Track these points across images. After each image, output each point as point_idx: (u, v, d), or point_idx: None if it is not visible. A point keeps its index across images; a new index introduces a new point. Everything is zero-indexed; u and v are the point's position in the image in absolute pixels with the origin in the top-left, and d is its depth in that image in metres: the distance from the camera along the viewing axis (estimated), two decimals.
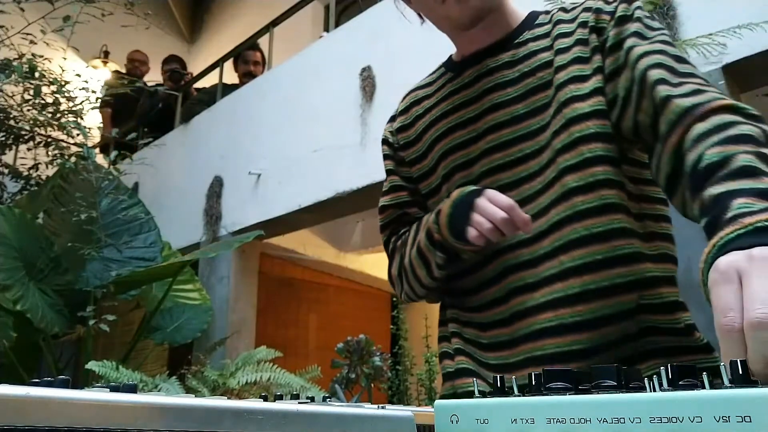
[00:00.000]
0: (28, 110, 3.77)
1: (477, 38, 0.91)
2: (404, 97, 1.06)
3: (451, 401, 0.38)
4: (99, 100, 3.99)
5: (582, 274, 0.76)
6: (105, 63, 6.13)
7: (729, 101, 0.67)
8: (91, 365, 2.64)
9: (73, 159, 3.72)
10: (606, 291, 0.75)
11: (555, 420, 0.32)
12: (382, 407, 0.40)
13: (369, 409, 0.39)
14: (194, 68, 5.72)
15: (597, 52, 0.81)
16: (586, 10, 0.85)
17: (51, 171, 3.92)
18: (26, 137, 3.95)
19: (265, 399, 0.44)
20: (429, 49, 2.95)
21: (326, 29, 4.43)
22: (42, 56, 3.62)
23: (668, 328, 0.76)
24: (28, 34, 3.52)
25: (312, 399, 0.44)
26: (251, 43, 4.60)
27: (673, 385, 0.32)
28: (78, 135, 3.77)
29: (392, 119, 1.06)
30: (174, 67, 5.23)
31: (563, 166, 0.79)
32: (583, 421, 0.31)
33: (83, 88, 3.92)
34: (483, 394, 0.38)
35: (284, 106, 3.83)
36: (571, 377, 0.35)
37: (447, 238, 0.84)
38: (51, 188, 3.55)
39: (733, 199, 0.54)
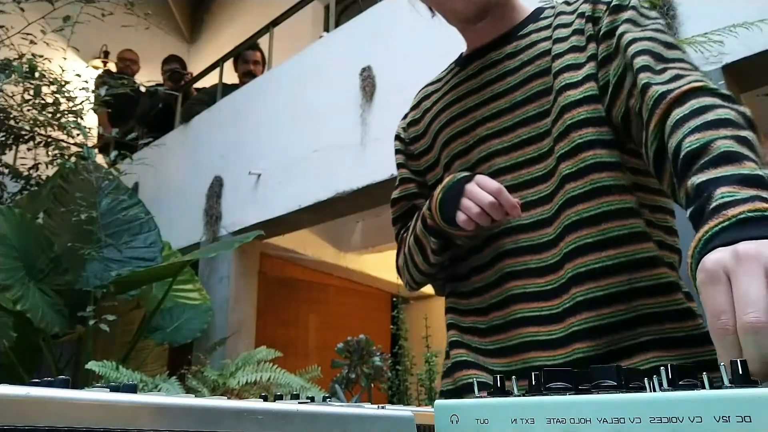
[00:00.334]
0: (28, 110, 3.77)
1: (483, 33, 0.94)
2: (417, 93, 1.08)
3: (451, 401, 0.38)
4: (93, 100, 3.98)
5: (575, 258, 0.76)
6: (105, 63, 6.13)
7: (703, 83, 0.67)
8: (91, 365, 2.64)
9: (73, 159, 3.72)
10: (601, 272, 0.75)
11: (555, 420, 0.32)
12: (382, 407, 0.40)
13: (369, 409, 0.39)
14: (194, 68, 5.72)
15: (592, 40, 0.82)
16: (586, 1, 0.86)
17: (51, 171, 3.92)
18: (26, 137, 3.95)
19: (265, 399, 0.44)
20: (429, 49, 2.96)
21: (326, 29, 4.43)
22: (42, 56, 3.61)
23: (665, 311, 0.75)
24: (28, 34, 3.52)
25: (312, 399, 0.44)
26: (251, 43, 4.60)
27: (673, 385, 0.32)
28: (78, 135, 3.77)
29: (405, 116, 1.08)
30: (174, 67, 5.23)
31: (559, 153, 0.80)
32: (583, 421, 0.31)
33: (83, 88, 3.92)
34: (483, 389, 0.38)
35: (284, 106, 3.83)
36: (571, 377, 0.35)
37: (439, 223, 0.85)
38: (51, 188, 3.55)
39: (716, 188, 0.54)
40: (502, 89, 0.88)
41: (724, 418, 0.28)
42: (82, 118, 3.84)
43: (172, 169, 4.58)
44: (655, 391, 0.32)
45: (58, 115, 3.77)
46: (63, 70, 3.76)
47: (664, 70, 0.71)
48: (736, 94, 2.18)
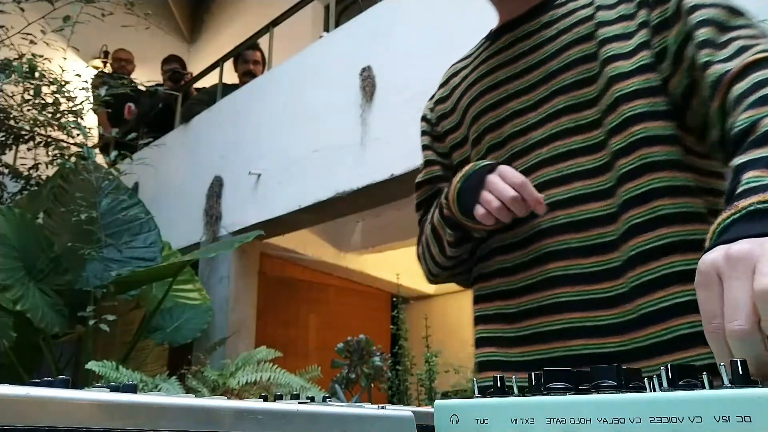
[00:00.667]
0: (28, 110, 3.77)
1: (516, 5, 0.90)
2: (445, 72, 1.04)
3: (451, 401, 0.38)
4: (92, 100, 3.98)
5: (630, 239, 0.71)
6: (105, 63, 6.12)
7: None
8: (91, 365, 2.64)
9: (73, 159, 3.72)
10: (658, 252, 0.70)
11: (555, 420, 0.32)
12: (382, 407, 0.40)
13: (369, 409, 0.39)
14: (194, 68, 5.71)
15: (643, 6, 0.78)
16: None
17: (51, 171, 3.92)
18: (26, 137, 3.95)
19: (265, 399, 0.44)
20: (429, 49, 2.96)
21: (326, 29, 4.43)
22: (42, 56, 3.61)
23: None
24: (28, 34, 3.52)
25: (312, 399, 0.44)
26: (251, 43, 4.60)
27: (673, 385, 0.32)
28: (78, 135, 3.77)
29: (432, 96, 1.04)
30: (174, 67, 5.22)
31: (609, 127, 0.75)
32: (583, 421, 0.31)
33: (83, 88, 3.92)
34: (483, 394, 0.38)
35: (284, 106, 3.83)
36: (571, 377, 0.35)
37: (456, 214, 0.81)
38: (51, 188, 3.55)
39: (746, 171, 0.52)
40: (537, 60, 0.83)
41: (724, 418, 0.28)
42: (82, 118, 3.84)
43: (172, 169, 4.58)
44: (655, 391, 0.32)
45: (58, 115, 3.77)
46: (63, 70, 3.76)
47: (727, 42, 0.66)
48: None
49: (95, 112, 4.58)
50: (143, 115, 5.15)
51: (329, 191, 3.28)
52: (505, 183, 0.74)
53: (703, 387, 0.31)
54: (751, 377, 0.35)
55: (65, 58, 3.81)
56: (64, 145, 3.95)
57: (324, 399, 0.45)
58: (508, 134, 0.83)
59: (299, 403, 0.39)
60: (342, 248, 4.65)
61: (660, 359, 0.67)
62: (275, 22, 4.20)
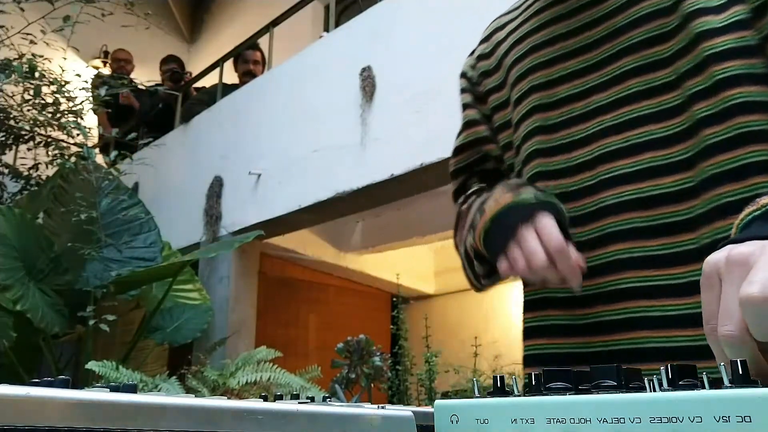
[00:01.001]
0: (28, 110, 3.77)
1: None
2: (488, 26, 0.93)
3: (451, 401, 0.38)
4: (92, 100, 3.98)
5: (716, 220, 0.62)
6: (105, 63, 6.13)
7: None
8: (91, 365, 2.64)
9: (73, 159, 3.72)
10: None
11: (555, 420, 0.32)
12: (382, 407, 0.40)
13: (369, 409, 0.39)
14: (194, 68, 5.72)
15: None
16: None
17: (51, 171, 3.92)
18: (26, 137, 3.95)
19: (265, 399, 0.44)
20: (429, 49, 2.96)
21: (326, 29, 4.43)
22: (42, 56, 3.61)
23: None
24: (28, 34, 3.52)
25: (312, 399, 0.44)
26: (251, 43, 4.60)
27: (673, 385, 0.32)
28: (78, 135, 3.77)
29: (472, 51, 0.93)
30: (172, 67, 5.23)
31: (692, 91, 0.65)
32: (583, 421, 0.31)
33: (83, 88, 3.92)
34: (483, 394, 0.38)
35: (284, 106, 3.83)
36: (571, 377, 0.35)
37: (482, 252, 0.73)
38: (51, 188, 3.55)
39: None
40: (600, 14, 0.73)
41: (724, 418, 0.28)
42: (82, 118, 3.84)
43: (172, 169, 4.58)
44: (655, 391, 0.32)
45: (58, 115, 3.77)
46: (63, 70, 3.76)
47: None
48: None
49: (95, 112, 4.58)
50: (143, 115, 5.15)
51: (329, 191, 3.28)
52: (539, 244, 0.63)
53: (703, 387, 0.31)
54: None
55: (65, 58, 3.81)
56: (64, 145, 3.95)
57: (324, 399, 0.45)
58: (564, 96, 0.74)
59: (299, 403, 0.39)
60: (342, 248, 4.66)
61: None
62: (275, 22, 4.20)
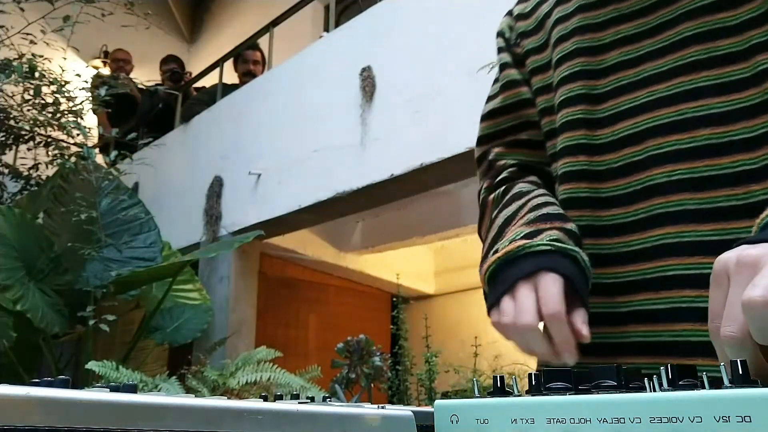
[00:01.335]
0: (28, 110, 3.77)
1: None
2: None
3: (451, 401, 0.38)
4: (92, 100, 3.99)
5: None
6: (105, 63, 6.13)
7: None
8: (91, 365, 2.64)
9: (73, 159, 3.72)
10: None
11: (555, 420, 0.32)
12: (382, 407, 0.40)
13: (369, 409, 0.39)
14: (194, 68, 5.72)
15: None
16: None
17: (51, 171, 3.92)
18: (26, 137, 3.95)
19: (265, 399, 0.44)
20: (429, 49, 2.96)
21: (326, 29, 4.43)
22: (42, 56, 3.61)
23: None
24: (28, 34, 3.52)
25: (312, 399, 0.44)
26: (251, 43, 4.60)
27: (673, 385, 0.32)
28: (78, 135, 3.77)
29: (510, 11, 0.86)
30: (172, 67, 5.23)
31: (764, 66, 0.58)
32: (583, 421, 0.31)
33: (83, 88, 3.92)
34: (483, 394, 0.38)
35: (284, 106, 3.83)
36: (571, 377, 0.35)
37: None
38: (51, 188, 3.55)
39: None
40: None
41: (724, 418, 0.28)
42: (82, 118, 3.84)
43: (172, 169, 4.58)
44: (655, 391, 0.32)
45: (58, 115, 3.77)
46: (63, 70, 3.76)
47: None
48: None
49: (95, 113, 4.58)
50: (143, 115, 5.15)
51: (329, 191, 3.28)
52: (533, 303, 0.57)
53: (703, 387, 0.31)
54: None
55: (65, 58, 3.81)
56: (64, 145, 3.95)
57: (324, 399, 0.45)
58: (614, 63, 0.68)
59: (299, 403, 0.39)
60: (342, 248, 4.66)
61: None
62: (275, 22, 4.20)
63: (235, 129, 4.16)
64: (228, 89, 4.54)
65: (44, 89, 3.69)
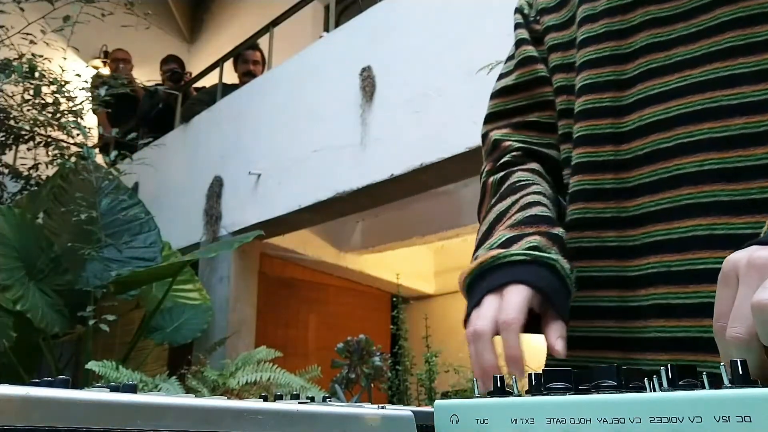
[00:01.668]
0: (28, 110, 3.77)
1: None
2: None
3: (451, 401, 0.38)
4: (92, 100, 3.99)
5: None
6: (105, 63, 6.12)
7: None
8: (91, 365, 2.64)
9: (73, 159, 3.73)
10: None
11: (555, 420, 0.32)
12: (382, 407, 0.40)
13: (369, 409, 0.39)
14: (194, 68, 5.72)
15: None
16: None
17: (51, 171, 3.92)
18: (26, 137, 3.95)
19: (265, 399, 0.44)
20: (429, 49, 2.96)
21: (326, 29, 4.43)
22: (42, 56, 3.61)
23: None
24: (28, 34, 3.52)
25: (312, 399, 0.44)
26: (251, 43, 4.60)
27: (673, 385, 0.32)
28: (78, 135, 3.77)
29: None
30: (172, 67, 5.23)
31: None
32: (583, 421, 0.31)
33: (83, 88, 3.92)
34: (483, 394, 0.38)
35: (284, 106, 3.83)
36: (571, 377, 0.35)
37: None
38: (51, 188, 3.55)
39: None
40: None
41: (724, 418, 0.28)
42: (82, 118, 3.84)
43: (172, 169, 4.58)
44: (655, 391, 0.32)
45: (58, 115, 3.77)
46: (63, 70, 3.76)
47: None
48: None
49: (95, 113, 4.59)
50: (143, 115, 5.15)
51: (329, 191, 3.28)
52: (491, 314, 0.55)
53: (703, 387, 0.31)
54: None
55: (65, 58, 3.81)
56: (64, 145, 3.95)
57: (324, 399, 0.45)
58: (642, 45, 0.65)
59: (299, 403, 0.39)
60: (342, 248, 4.66)
61: None
62: (275, 22, 4.20)
63: (235, 129, 4.16)
64: (228, 89, 4.54)
65: (44, 89, 3.69)
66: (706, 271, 0.57)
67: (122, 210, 3.47)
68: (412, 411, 0.40)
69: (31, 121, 3.74)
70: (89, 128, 3.90)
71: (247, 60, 4.71)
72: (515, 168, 0.74)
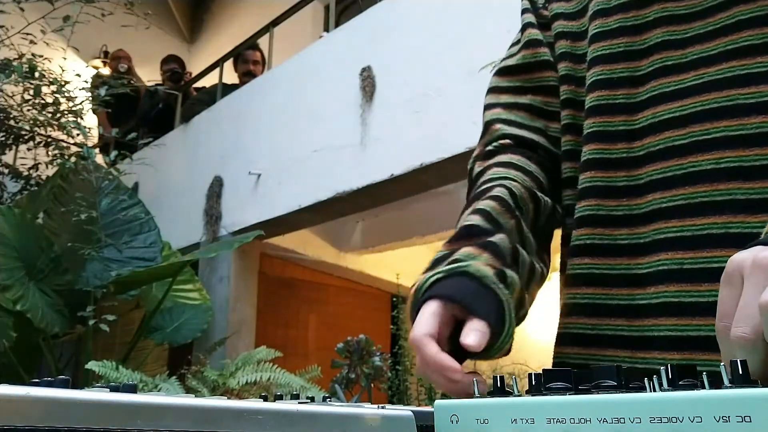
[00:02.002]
0: (28, 110, 3.77)
1: None
2: None
3: (451, 401, 0.38)
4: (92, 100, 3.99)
5: None
6: (105, 63, 6.12)
7: None
8: (91, 365, 2.64)
9: (73, 159, 3.73)
10: None
11: (555, 420, 0.32)
12: (382, 407, 0.40)
13: (369, 409, 0.39)
14: (194, 68, 5.72)
15: None
16: None
17: (51, 171, 3.92)
18: (26, 137, 3.95)
19: (265, 399, 0.44)
20: (429, 49, 2.96)
21: (326, 29, 4.43)
22: (42, 56, 3.61)
23: None
24: (28, 34, 3.52)
25: (312, 399, 0.44)
26: (251, 43, 4.60)
27: (673, 385, 0.32)
28: (78, 135, 3.77)
29: None
30: (173, 67, 5.23)
31: None
32: (583, 421, 0.31)
33: (83, 88, 3.92)
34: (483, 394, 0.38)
35: (284, 106, 3.83)
36: (571, 377, 0.35)
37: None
38: (51, 188, 3.55)
39: None
40: None
41: (724, 418, 0.28)
42: (82, 118, 3.84)
43: (172, 169, 4.58)
44: (655, 391, 0.32)
45: (58, 115, 3.77)
46: (63, 70, 3.76)
47: None
48: None
49: (95, 113, 4.59)
50: (143, 115, 5.15)
51: (329, 191, 3.28)
52: (419, 323, 0.54)
53: (703, 387, 0.31)
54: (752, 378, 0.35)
55: (65, 58, 3.81)
56: (64, 145, 3.95)
57: (324, 399, 0.45)
58: (657, 42, 0.64)
59: (299, 403, 0.39)
60: (342, 248, 4.66)
61: None
62: (275, 22, 4.20)
63: (235, 129, 4.16)
64: (228, 89, 4.54)
65: (44, 89, 3.69)
66: (720, 270, 0.54)
67: (122, 210, 3.47)
68: (412, 411, 0.40)
69: (31, 121, 3.74)
70: (89, 128, 3.90)
71: (247, 60, 4.71)
72: (494, 161, 0.73)
